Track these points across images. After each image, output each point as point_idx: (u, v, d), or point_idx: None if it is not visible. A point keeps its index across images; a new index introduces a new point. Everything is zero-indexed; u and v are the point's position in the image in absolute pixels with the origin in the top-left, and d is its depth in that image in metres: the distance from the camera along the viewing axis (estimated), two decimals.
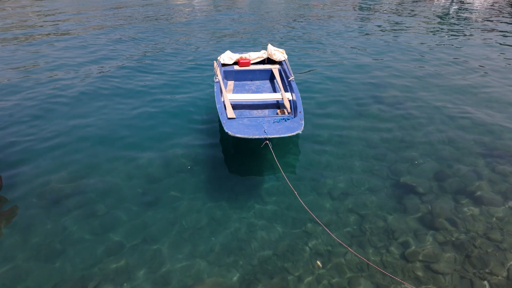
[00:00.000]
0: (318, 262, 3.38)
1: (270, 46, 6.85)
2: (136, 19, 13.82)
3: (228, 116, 4.72)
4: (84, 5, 16.74)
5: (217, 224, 3.84)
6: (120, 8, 16.09)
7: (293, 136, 4.73)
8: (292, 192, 4.22)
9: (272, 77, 6.66)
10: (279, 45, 10.04)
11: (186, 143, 5.27)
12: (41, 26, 12.51)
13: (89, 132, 5.60)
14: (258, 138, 4.10)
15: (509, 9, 16.17)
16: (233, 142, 5.25)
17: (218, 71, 6.09)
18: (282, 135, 4.13)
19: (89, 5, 16.91)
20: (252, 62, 6.76)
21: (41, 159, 4.89)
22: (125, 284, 3.20)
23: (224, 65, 6.74)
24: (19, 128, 5.69)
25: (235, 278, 3.26)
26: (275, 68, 6.55)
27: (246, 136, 4.08)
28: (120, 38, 11.03)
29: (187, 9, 16.44)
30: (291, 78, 5.90)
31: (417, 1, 18.52)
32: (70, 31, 11.79)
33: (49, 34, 11.40)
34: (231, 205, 4.09)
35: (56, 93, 6.96)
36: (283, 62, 6.65)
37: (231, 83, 6.43)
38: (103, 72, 8.08)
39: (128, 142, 5.32)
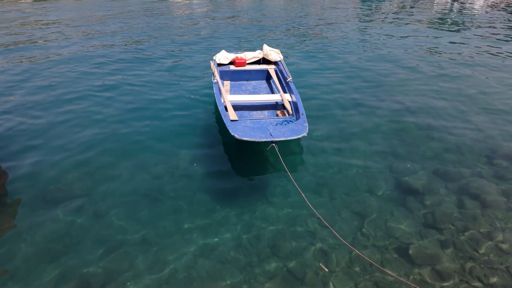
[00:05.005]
0: (323, 266, 3.31)
1: (265, 46, 6.79)
2: (135, 17, 13.83)
3: (231, 118, 4.67)
4: (83, 8, 16.78)
5: (220, 225, 3.79)
6: (118, 9, 16.12)
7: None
8: (296, 193, 4.14)
9: (268, 77, 6.60)
10: (277, 45, 9.99)
11: (189, 143, 5.22)
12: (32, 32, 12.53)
13: (89, 132, 5.55)
14: (265, 142, 4.06)
15: (509, 9, 16.11)
16: (237, 144, 5.18)
17: (216, 71, 6.04)
18: (289, 138, 4.08)
19: (87, 9, 16.95)
20: (247, 62, 6.72)
21: (44, 160, 4.83)
22: (128, 284, 3.16)
23: (220, 64, 6.70)
24: (20, 132, 5.66)
25: (237, 280, 3.20)
26: (271, 69, 6.50)
27: (253, 139, 4.03)
28: (116, 37, 11.03)
29: (188, 10, 16.44)
30: (289, 79, 5.84)
31: (417, 1, 18.48)
32: (60, 33, 11.81)
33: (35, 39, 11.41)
34: (234, 205, 4.03)
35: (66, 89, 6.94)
36: (279, 63, 6.59)
37: (227, 83, 6.37)
38: (105, 71, 8.07)
39: (131, 142, 5.28)
